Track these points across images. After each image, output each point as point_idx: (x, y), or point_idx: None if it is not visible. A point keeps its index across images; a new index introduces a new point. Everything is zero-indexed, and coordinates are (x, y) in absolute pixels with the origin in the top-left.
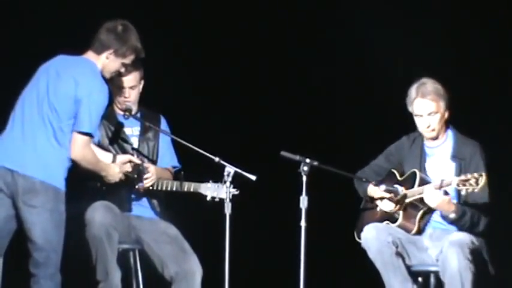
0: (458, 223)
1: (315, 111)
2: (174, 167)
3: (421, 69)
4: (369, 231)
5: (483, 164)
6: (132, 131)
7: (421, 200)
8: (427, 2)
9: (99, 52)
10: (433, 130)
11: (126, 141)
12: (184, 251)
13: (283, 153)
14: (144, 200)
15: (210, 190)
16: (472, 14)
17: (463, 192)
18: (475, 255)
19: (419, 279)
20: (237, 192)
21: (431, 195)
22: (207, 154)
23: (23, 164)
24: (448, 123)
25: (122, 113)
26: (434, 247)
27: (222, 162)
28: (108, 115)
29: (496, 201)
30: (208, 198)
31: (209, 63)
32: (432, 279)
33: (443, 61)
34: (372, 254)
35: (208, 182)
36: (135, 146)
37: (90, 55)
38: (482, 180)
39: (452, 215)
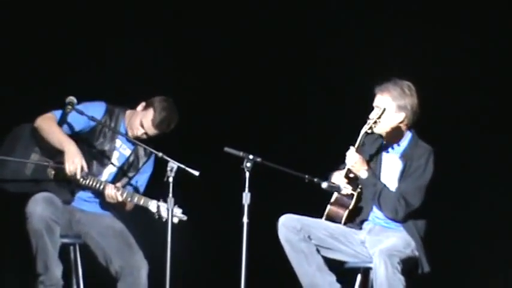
0: (369, 186)
1: (259, 108)
2: None
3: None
4: None
5: (423, 168)
6: (121, 144)
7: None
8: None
9: None
10: (375, 122)
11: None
12: (130, 245)
13: (226, 149)
14: (90, 194)
15: (158, 209)
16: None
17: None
18: (406, 263)
19: (359, 275)
20: (184, 218)
21: (349, 156)
22: (151, 150)
23: None
24: (408, 126)
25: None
26: (371, 241)
27: (165, 157)
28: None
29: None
30: (156, 216)
31: (160, 59)
32: (371, 275)
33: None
34: (282, 243)
35: (159, 200)
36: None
37: None
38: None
39: (364, 174)
